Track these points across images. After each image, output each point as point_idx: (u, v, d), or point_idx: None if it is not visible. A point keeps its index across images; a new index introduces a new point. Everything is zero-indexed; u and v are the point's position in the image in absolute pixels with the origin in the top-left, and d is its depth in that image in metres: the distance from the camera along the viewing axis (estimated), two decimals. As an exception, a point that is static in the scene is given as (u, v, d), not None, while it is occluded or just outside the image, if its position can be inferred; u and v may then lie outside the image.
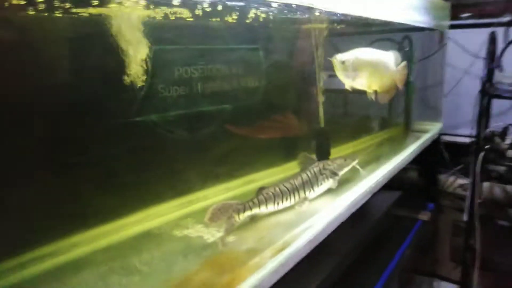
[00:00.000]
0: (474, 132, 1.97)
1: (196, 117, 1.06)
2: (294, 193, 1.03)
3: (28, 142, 0.76)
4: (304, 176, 1.05)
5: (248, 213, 0.95)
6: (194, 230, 0.92)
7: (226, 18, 1.02)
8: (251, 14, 1.04)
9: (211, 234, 0.89)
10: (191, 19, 0.95)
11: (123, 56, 0.86)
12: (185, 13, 0.94)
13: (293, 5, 1.04)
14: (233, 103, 1.13)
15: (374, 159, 1.42)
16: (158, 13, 0.91)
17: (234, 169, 1.15)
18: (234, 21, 1.03)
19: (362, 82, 1.17)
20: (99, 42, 0.84)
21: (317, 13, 1.15)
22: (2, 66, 0.71)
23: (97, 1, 0.79)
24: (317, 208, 1.04)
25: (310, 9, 1.10)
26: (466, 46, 2.26)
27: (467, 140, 2.17)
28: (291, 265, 0.80)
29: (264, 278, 0.72)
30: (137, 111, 0.94)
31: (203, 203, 1.04)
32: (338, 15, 1.23)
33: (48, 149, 0.81)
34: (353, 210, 1.09)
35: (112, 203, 0.92)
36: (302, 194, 1.04)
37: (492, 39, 1.89)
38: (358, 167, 1.22)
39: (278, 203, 1.00)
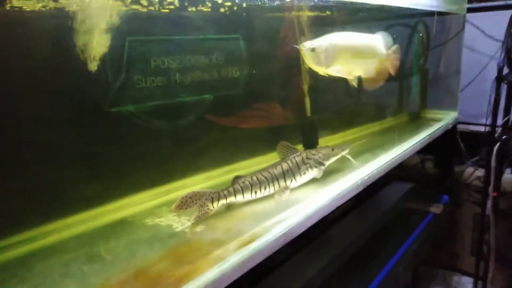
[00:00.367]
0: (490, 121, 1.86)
1: (175, 107, 1.04)
2: (273, 182, 1.00)
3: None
4: (285, 165, 1.02)
5: (222, 201, 0.93)
6: (166, 218, 0.91)
7: (203, 8, 1.00)
8: (230, 2, 1.02)
9: (181, 223, 0.88)
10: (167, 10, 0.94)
11: (96, 47, 0.86)
12: (161, 3, 0.93)
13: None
14: (214, 93, 1.10)
15: (370, 149, 1.36)
16: (133, 4, 0.89)
17: (215, 158, 1.13)
18: (213, 10, 1.01)
19: (339, 69, 1.08)
20: (69, 34, 0.83)
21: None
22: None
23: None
24: (299, 198, 1.00)
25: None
26: (487, 31, 2.14)
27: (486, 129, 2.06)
28: (258, 259, 0.76)
29: (225, 272, 0.69)
30: (113, 102, 0.93)
31: (182, 192, 1.02)
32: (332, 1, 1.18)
33: (24, 138, 0.82)
34: (340, 202, 1.04)
35: (91, 192, 0.93)
36: (282, 184, 1.01)
37: (512, 22, 1.76)
38: (349, 157, 1.17)
39: (255, 192, 0.97)
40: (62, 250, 0.81)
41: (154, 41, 0.98)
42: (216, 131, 1.13)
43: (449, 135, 2.01)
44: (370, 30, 1.23)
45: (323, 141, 1.33)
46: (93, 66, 0.87)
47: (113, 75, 0.92)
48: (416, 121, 1.93)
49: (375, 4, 1.29)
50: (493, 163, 1.78)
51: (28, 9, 0.76)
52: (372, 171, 1.18)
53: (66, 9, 0.80)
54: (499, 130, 1.83)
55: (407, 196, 1.84)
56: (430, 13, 1.90)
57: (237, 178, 0.97)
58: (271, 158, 1.11)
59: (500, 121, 1.81)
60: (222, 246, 0.76)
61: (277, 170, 1.01)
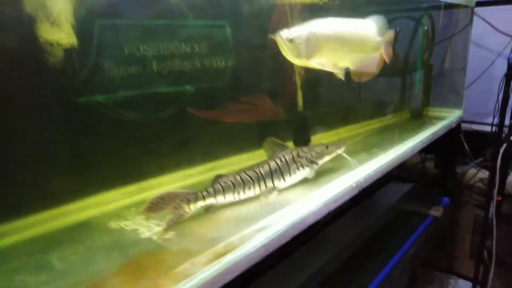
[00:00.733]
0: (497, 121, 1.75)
1: (152, 98, 0.93)
2: (259, 183, 0.89)
3: None
4: (272, 163, 0.91)
5: (200, 203, 0.82)
6: (133, 222, 0.80)
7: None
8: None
9: (149, 227, 0.77)
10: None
11: (61, 32, 0.75)
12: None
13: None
14: (196, 85, 0.99)
15: (367, 148, 1.25)
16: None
17: (196, 155, 1.02)
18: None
19: (322, 62, 0.93)
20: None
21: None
22: None
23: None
24: (287, 200, 0.89)
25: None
26: (496, 25, 2.02)
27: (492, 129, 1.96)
28: (232, 275, 0.65)
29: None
30: (79, 92, 0.82)
31: (157, 190, 0.91)
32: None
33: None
34: (332, 207, 0.93)
35: (53, 189, 0.82)
36: (269, 184, 0.91)
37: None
38: (346, 155, 1.06)
39: (238, 193, 0.87)
40: (10, 256, 0.70)
41: (128, 26, 0.87)
42: (198, 126, 1.02)
43: (452, 135, 1.91)
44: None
45: (316, 138, 1.22)
46: (56, 52, 0.76)
47: (80, 62, 0.81)
48: (418, 119, 1.82)
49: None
50: (498, 165, 1.67)
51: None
52: (369, 173, 1.07)
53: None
54: (506, 130, 1.72)
55: (406, 198, 1.76)
56: (436, 5, 1.79)
57: (218, 177, 0.87)
58: (259, 155, 1.00)
59: (507, 121, 1.69)
60: (191, 258, 0.65)
61: (264, 169, 0.91)
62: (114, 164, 0.90)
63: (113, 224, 0.80)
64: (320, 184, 0.98)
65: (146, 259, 0.67)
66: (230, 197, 0.87)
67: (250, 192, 0.89)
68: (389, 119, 1.72)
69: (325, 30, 0.92)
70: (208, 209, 0.86)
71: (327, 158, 1.01)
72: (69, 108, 0.83)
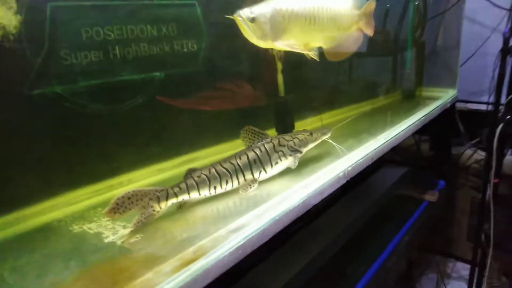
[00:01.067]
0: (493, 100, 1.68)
1: (116, 87, 0.85)
2: (237, 175, 0.82)
3: None
4: (251, 154, 0.84)
5: (172, 201, 0.75)
6: (98, 224, 0.73)
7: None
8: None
9: (114, 230, 0.70)
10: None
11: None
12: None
13: None
14: (165, 70, 0.91)
15: (355, 134, 1.17)
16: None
17: (169, 147, 0.94)
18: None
19: (291, 43, 0.82)
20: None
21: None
22: None
23: None
24: (269, 193, 0.82)
25: None
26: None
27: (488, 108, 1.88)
28: (203, 283, 0.58)
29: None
30: (34, 82, 0.74)
31: (126, 187, 0.85)
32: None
33: None
34: (318, 199, 0.86)
35: (13, 191, 0.75)
36: (248, 176, 0.84)
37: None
38: (332, 141, 0.99)
39: (215, 188, 0.80)
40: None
41: (85, 7, 0.78)
42: (170, 115, 0.94)
43: (447, 115, 1.84)
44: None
45: (300, 124, 1.14)
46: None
47: (32, 50, 0.72)
48: (410, 100, 1.74)
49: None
50: (495, 146, 1.61)
51: None
52: (357, 161, 1.00)
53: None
54: (502, 109, 1.65)
55: (400, 182, 1.70)
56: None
57: (191, 171, 0.80)
58: (239, 145, 0.92)
59: (503, 99, 1.62)
60: (156, 266, 0.58)
61: (241, 161, 0.83)
62: (79, 161, 0.83)
63: (76, 227, 0.72)
64: (305, 174, 0.91)
65: (105, 268, 0.60)
66: (205, 192, 0.80)
67: (227, 186, 0.82)
68: (379, 101, 1.64)
69: (292, 5, 0.81)
70: (182, 207, 0.79)
71: (311, 145, 0.94)
72: (24, 102, 0.75)
